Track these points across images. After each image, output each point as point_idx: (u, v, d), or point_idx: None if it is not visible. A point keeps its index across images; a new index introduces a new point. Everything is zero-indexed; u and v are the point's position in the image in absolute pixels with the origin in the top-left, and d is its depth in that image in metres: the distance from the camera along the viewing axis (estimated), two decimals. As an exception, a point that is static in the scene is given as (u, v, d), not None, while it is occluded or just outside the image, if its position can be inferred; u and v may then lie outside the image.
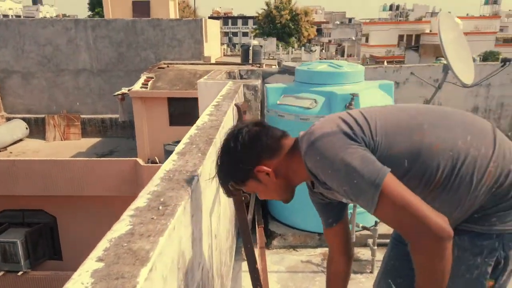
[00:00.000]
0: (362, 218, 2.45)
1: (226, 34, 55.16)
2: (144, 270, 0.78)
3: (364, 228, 2.47)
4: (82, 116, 13.35)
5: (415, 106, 1.12)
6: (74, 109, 13.41)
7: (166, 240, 0.91)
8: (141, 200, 1.09)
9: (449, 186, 0.99)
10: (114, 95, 11.36)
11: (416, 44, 33.59)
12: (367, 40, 38.05)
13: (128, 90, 10.84)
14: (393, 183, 0.89)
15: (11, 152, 12.20)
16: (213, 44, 15.61)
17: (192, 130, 1.84)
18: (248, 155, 1.09)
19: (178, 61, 12.74)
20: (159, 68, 11.79)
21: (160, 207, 1.05)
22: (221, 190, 1.54)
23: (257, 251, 2.49)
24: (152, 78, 11.04)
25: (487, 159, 0.99)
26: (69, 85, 13.39)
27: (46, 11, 54.48)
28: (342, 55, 39.98)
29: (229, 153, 1.12)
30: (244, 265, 2.55)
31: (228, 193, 1.19)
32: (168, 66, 11.92)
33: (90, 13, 33.50)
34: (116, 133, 13.49)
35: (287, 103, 2.59)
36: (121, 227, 0.94)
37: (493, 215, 1.02)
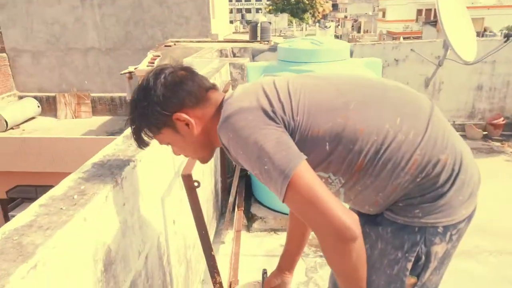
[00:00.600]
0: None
1: (239, 10, 54.20)
2: (23, 268, 0.73)
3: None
4: (92, 94, 13.43)
5: (348, 79, 1.01)
6: (84, 88, 13.49)
7: (65, 233, 0.85)
8: (60, 188, 1.04)
9: (371, 171, 0.91)
10: (122, 74, 11.34)
11: (435, 18, 32.38)
12: (384, 15, 36.82)
13: (135, 68, 10.79)
14: (304, 175, 0.80)
15: (23, 130, 12.42)
16: (221, 21, 15.33)
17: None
18: (168, 99, 0.95)
19: (185, 39, 12.58)
20: (165, 46, 11.66)
21: (76, 196, 0.99)
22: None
23: (233, 234, 2.45)
24: (158, 56, 10.93)
25: (413, 146, 0.89)
26: (79, 63, 13.43)
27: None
28: (358, 31, 38.91)
29: (147, 94, 0.96)
30: (223, 248, 2.52)
31: (141, 142, 1.03)
32: (175, 44, 11.78)
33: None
34: (125, 112, 13.54)
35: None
36: (23, 218, 0.89)
37: (417, 206, 0.92)
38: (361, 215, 1.00)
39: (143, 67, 10.55)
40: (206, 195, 2.39)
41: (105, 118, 13.38)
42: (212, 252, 1.60)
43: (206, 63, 3.22)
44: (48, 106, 13.53)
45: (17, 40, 13.20)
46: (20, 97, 13.48)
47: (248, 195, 2.93)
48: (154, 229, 1.42)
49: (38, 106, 13.35)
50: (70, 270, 0.88)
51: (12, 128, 12.15)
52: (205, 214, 2.42)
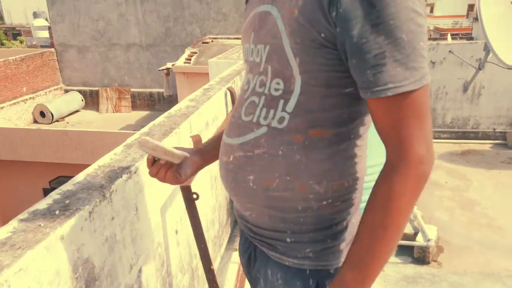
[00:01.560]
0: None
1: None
2: (-18, 292, 0.72)
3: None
4: (132, 89, 13.87)
5: None
6: (124, 83, 13.96)
7: (37, 253, 0.84)
8: (45, 201, 1.03)
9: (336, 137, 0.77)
10: (160, 70, 11.60)
11: (488, 14, 30.50)
12: (431, 11, 35.22)
13: (172, 65, 11.00)
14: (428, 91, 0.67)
15: (67, 122, 13.05)
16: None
17: (161, 118, 1.75)
18: None
19: (222, 35, 12.66)
20: (203, 43, 11.80)
21: (57, 211, 0.98)
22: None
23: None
24: (195, 53, 11.08)
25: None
26: (120, 59, 13.90)
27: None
28: (403, 28, 37.36)
29: None
30: (235, 255, 2.48)
31: None
32: (212, 41, 11.89)
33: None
34: (163, 107, 13.89)
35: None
36: (0, 234, 0.89)
37: (308, 244, 0.79)
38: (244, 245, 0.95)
39: (180, 63, 10.74)
40: (220, 200, 2.36)
41: (144, 113, 13.79)
42: (212, 267, 1.56)
43: (232, 64, 3.18)
44: (91, 100, 14.13)
45: (65, 35, 13.86)
46: (66, 91, 14.17)
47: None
48: (151, 240, 1.40)
49: (82, 100, 13.97)
50: (41, 290, 0.86)
51: (57, 121, 12.81)
52: (218, 220, 2.39)
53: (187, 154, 0.93)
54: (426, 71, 0.65)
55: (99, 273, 1.08)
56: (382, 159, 0.71)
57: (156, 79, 13.61)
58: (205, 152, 1.01)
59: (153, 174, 0.92)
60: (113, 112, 14.05)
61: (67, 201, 1.03)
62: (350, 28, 0.64)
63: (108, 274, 1.13)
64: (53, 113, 12.63)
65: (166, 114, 1.79)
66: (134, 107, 13.98)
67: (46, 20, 22.47)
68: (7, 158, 9.64)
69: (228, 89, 2.27)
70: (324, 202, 0.78)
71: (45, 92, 13.65)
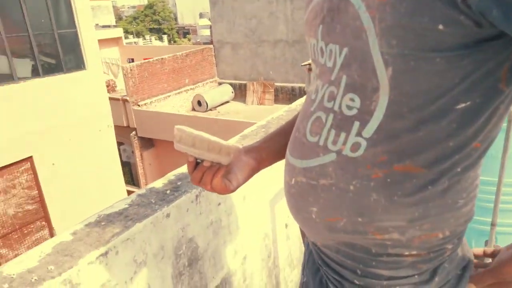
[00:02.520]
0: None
1: None
2: (94, 253, 0.82)
3: None
4: (276, 84, 14.48)
5: None
6: (269, 77, 14.67)
7: (144, 226, 0.93)
8: (162, 180, 1.13)
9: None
10: (302, 65, 11.79)
11: None
12: None
13: (315, 60, 11.07)
14: None
15: (219, 112, 14.42)
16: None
17: (280, 111, 1.76)
18: None
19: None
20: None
21: (168, 191, 1.06)
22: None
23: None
24: (339, 48, 10.91)
25: None
26: (268, 55, 14.63)
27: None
28: None
29: None
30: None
31: None
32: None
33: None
34: (304, 102, 14.14)
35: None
36: (118, 206, 1.01)
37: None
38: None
39: (323, 59, 10.72)
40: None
41: (285, 106, 14.27)
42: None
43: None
44: (240, 92, 15.28)
45: (222, 33, 15.27)
46: (219, 83, 15.66)
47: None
48: (257, 231, 1.42)
49: (232, 92, 15.23)
50: (146, 261, 0.95)
51: (210, 110, 14.27)
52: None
53: (239, 146, 0.76)
54: None
55: (202, 253, 1.14)
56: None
57: (298, 74, 13.90)
58: (261, 150, 0.80)
59: (196, 181, 0.73)
60: (258, 104, 14.94)
61: (179, 183, 1.11)
62: None
63: (212, 256, 1.18)
64: (208, 102, 14.14)
65: (286, 108, 1.79)
66: (277, 100, 14.58)
67: (209, 19, 25.18)
68: (169, 139, 11.22)
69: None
70: (407, 253, 0.60)
71: (203, 84, 15.36)
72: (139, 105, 12.67)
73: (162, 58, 13.56)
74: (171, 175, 1.16)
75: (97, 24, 20.14)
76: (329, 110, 0.60)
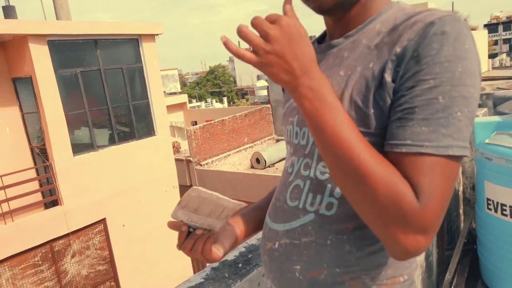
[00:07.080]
0: None
1: (507, 41, 46.73)
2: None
3: None
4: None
5: None
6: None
7: (219, 302, 0.97)
8: (233, 253, 1.18)
9: None
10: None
11: None
12: None
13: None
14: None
15: (277, 168, 14.54)
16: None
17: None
18: None
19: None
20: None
21: (240, 264, 1.11)
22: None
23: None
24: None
25: None
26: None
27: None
28: None
29: None
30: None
31: None
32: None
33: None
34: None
35: (498, 143, 2.03)
36: (195, 279, 1.06)
37: None
38: None
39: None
40: (413, 268, 2.13)
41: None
42: None
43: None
44: (298, 148, 15.40)
45: (279, 93, 15.83)
46: (277, 140, 15.95)
47: (473, 275, 2.41)
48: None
49: (290, 148, 15.41)
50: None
51: (269, 166, 14.44)
52: None
53: (243, 204, 0.76)
54: (459, 144, 0.55)
55: None
56: None
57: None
58: (242, 223, 0.86)
59: (188, 250, 0.77)
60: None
61: (250, 255, 1.16)
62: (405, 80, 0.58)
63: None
64: (266, 159, 14.37)
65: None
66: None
67: (266, 81, 26.30)
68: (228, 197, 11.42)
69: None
70: None
71: (261, 142, 15.76)
72: (201, 165, 13.21)
73: (222, 120, 14.26)
74: (241, 247, 1.21)
75: (165, 92, 21.94)
76: (306, 177, 0.72)
